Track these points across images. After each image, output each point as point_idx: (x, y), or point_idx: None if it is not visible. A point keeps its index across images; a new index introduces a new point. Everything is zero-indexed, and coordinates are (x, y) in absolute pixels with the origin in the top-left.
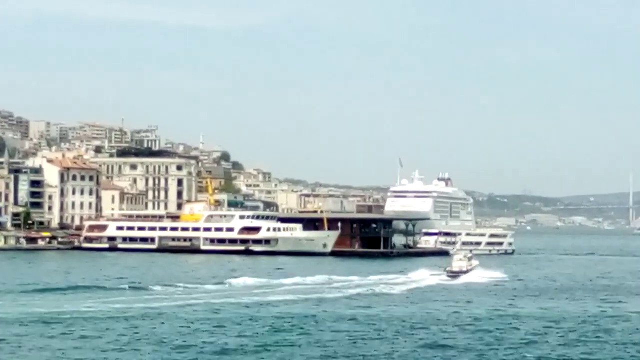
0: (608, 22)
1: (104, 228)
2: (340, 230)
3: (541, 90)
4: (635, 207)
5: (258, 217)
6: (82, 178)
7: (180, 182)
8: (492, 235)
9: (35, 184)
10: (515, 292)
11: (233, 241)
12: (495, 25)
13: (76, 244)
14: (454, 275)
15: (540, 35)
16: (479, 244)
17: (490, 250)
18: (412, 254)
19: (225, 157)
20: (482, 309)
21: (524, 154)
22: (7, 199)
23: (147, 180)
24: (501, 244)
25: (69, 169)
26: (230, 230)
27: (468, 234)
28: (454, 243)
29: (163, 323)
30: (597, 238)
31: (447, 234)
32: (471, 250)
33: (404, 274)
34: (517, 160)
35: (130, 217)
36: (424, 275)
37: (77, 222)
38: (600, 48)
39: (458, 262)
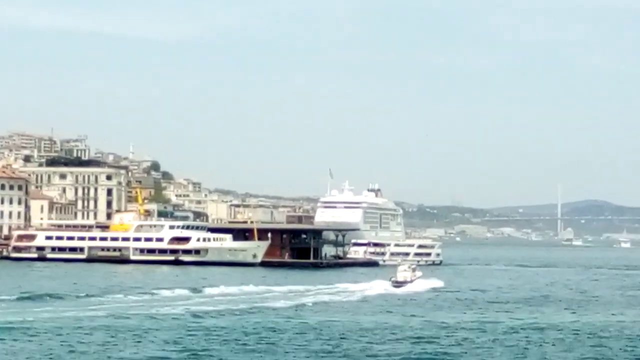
0: (540, 33)
1: (32, 237)
2: (270, 241)
3: (470, 100)
4: (563, 218)
5: (187, 227)
6: (11, 187)
7: (109, 192)
8: (420, 246)
9: None
10: (457, 302)
11: (162, 251)
12: (425, 33)
13: (4, 253)
14: (399, 284)
15: (471, 43)
16: (407, 254)
17: (418, 261)
18: (342, 264)
19: (155, 166)
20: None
21: (454, 165)
22: None
23: (76, 189)
24: (429, 254)
25: None
26: (159, 240)
27: (396, 245)
28: (383, 253)
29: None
30: (523, 249)
31: (376, 245)
32: (401, 261)
33: (355, 283)
34: (446, 171)
35: (59, 227)
36: (372, 285)
37: (5, 232)
38: (531, 58)
39: (402, 273)
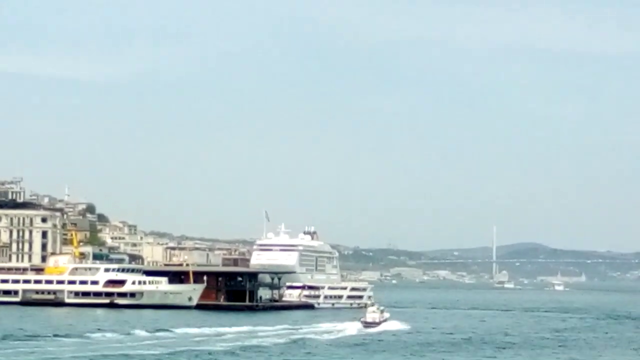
0: (474, 74)
1: None
2: (205, 284)
3: (402, 142)
4: (498, 261)
5: (123, 270)
6: None
7: (44, 234)
8: (352, 289)
9: None
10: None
11: (98, 294)
12: (356, 75)
13: None
14: (368, 325)
15: (403, 85)
16: (340, 297)
17: (351, 304)
18: (278, 307)
19: (90, 209)
20: None
21: (389, 207)
22: None
23: (11, 232)
24: (361, 297)
25: None
26: (95, 283)
27: (330, 287)
28: (317, 296)
29: None
30: (455, 292)
31: (310, 287)
32: (333, 304)
33: (329, 323)
34: (382, 214)
35: None
36: (343, 326)
37: None
38: (465, 99)
39: (371, 314)
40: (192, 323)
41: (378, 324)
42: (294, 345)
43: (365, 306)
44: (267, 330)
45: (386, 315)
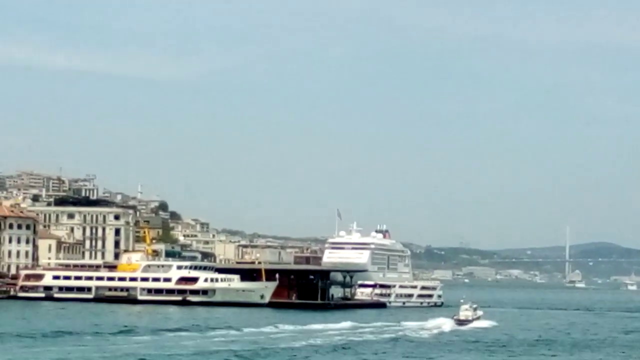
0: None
1: (40, 277)
2: (277, 282)
3: (477, 142)
4: (571, 260)
5: (195, 268)
6: (19, 226)
7: (117, 232)
8: (423, 287)
9: None
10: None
11: (170, 291)
12: (428, 78)
13: (12, 292)
14: (461, 322)
15: (474, 87)
16: (410, 295)
17: (421, 302)
18: (350, 305)
19: (163, 206)
20: None
21: (462, 206)
22: None
23: (84, 229)
24: (431, 296)
25: (5, 217)
26: (167, 280)
27: (401, 286)
28: (389, 295)
29: None
30: (527, 291)
31: (382, 286)
32: (404, 303)
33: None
34: (454, 213)
35: (66, 266)
36: (441, 322)
37: (13, 271)
38: (534, 100)
39: (464, 312)
40: (289, 320)
41: (471, 321)
42: (398, 342)
43: (459, 304)
44: (365, 327)
45: (479, 313)
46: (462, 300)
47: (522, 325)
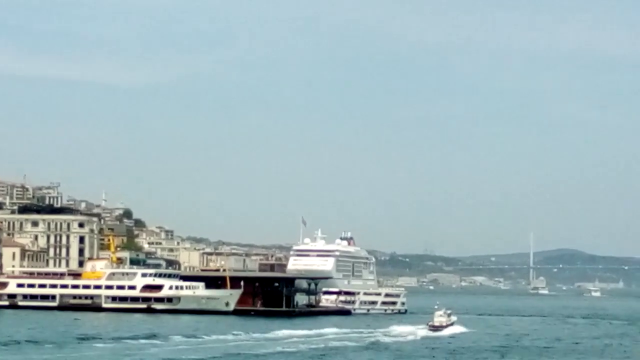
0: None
1: (3, 285)
2: (242, 289)
3: (441, 148)
4: (535, 267)
5: (160, 275)
6: None
7: (81, 239)
8: (387, 295)
9: None
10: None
11: (135, 299)
12: (396, 82)
13: None
14: (435, 328)
15: (439, 93)
16: (375, 302)
17: (385, 310)
18: (315, 312)
19: (127, 214)
20: None
21: (427, 213)
22: None
23: (48, 237)
24: (395, 303)
25: None
26: (132, 288)
27: (365, 293)
28: (353, 302)
29: None
30: (490, 298)
31: (346, 293)
32: (368, 310)
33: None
34: (419, 220)
35: (30, 274)
36: (411, 329)
37: None
38: (504, 106)
39: (438, 318)
40: (262, 328)
41: (445, 327)
42: (374, 346)
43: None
44: (333, 334)
45: (453, 319)
46: (436, 307)
47: (497, 331)
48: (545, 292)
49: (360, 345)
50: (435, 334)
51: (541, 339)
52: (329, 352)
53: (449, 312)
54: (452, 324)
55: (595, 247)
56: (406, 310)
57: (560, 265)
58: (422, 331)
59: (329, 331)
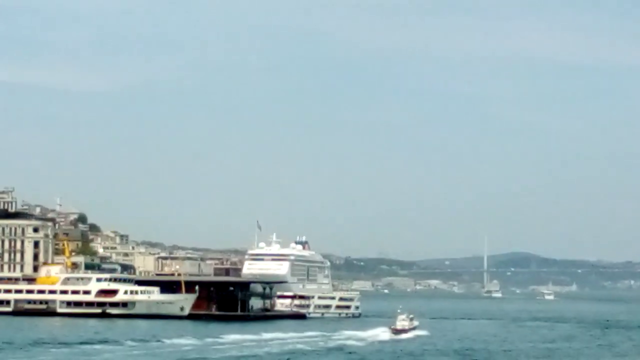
0: (460, 86)
1: None
2: (197, 293)
3: (395, 152)
4: (489, 270)
5: (115, 280)
6: None
7: (36, 244)
8: (341, 299)
9: None
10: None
11: (90, 304)
12: (346, 87)
13: None
14: (398, 332)
15: (392, 97)
16: (329, 306)
17: (339, 313)
18: (269, 316)
19: (82, 219)
20: None
21: (380, 218)
22: None
23: (2, 242)
24: (349, 307)
25: None
26: (87, 292)
27: (320, 297)
28: (308, 306)
29: None
30: (443, 301)
31: (301, 297)
32: (323, 314)
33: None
34: (373, 224)
35: None
36: (378, 332)
37: None
38: (451, 110)
39: (401, 322)
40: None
41: (407, 331)
42: (340, 350)
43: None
44: (298, 338)
45: (415, 323)
46: (398, 311)
47: (457, 334)
48: (499, 295)
49: (326, 349)
50: (398, 337)
51: (497, 343)
52: (294, 356)
53: (411, 316)
54: (414, 328)
55: (549, 250)
56: (360, 314)
57: (513, 269)
58: (385, 335)
59: (291, 335)
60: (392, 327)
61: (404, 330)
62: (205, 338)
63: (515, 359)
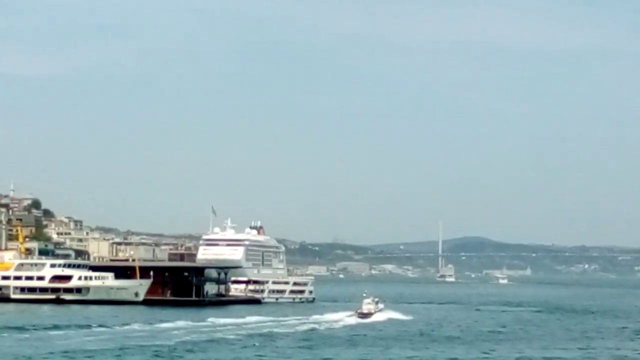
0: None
1: None
2: (152, 279)
3: (351, 138)
4: (444, 255)
5: (69, 266)
6: None
7: None
8: (295, 284)
9: None
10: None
11: (44, 290)
12: (301, 74)
13: None
14: (364, 316)
15: (348, 84)
16: (283, 291)
17: (293, 298)
18: (224, 302)
19: (36, 204)
20: None
21: (335, 202)
22: None
23: None
24: (303, 291)
25: None
26: (40, 278)
27: (274, 282)
28: (262, 291)
29: None
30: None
31: (255, 282)
32: (277, 299)
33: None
34: (328, 208)
35: None
36: (340, 316)
37: None
38: (407, 96)
39: (367, 305)
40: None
41: (373, 314)
42: (308, 334)
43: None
44: (263, 322)
45: (380, 306)
46: (364, 295)
47: (423, 317)
48: (452, 279)
49: (293, 333)
50: (364, 320)
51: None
52: (262, 340)
53: (376, 300)
54: (380, 311)
55: (503, 235)
56: (314, 299)
57: (468, 253)
58: (351, 319)
59: (257, 319)
60: (358, 310)
61: (370, 314)
62: (197, 321)
63: (471, 343)
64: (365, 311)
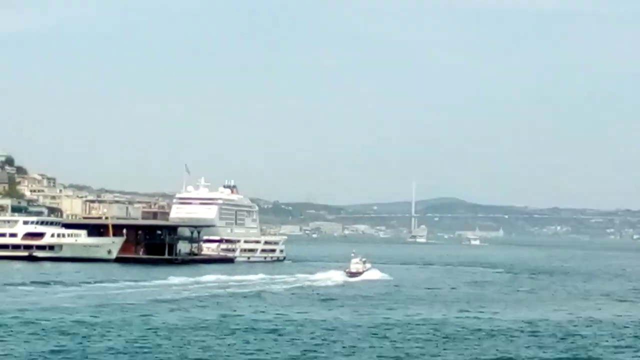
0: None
1: None
2: (125, 237)
3: (321, 97)
4: (417, 215)
5: (42, 223)
6: None
7: None
8: (266, 242)
9: None
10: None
11: (16, 246)
12: (268, 31)
13: None
14: (352, 274)
15: (317, 42)
16: (254, 250)
17: (265, 257)
18: (197, 260)
19: (9, 161)
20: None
21: (308, 162)
22: None
23: None
24: (274, 250)
25: None
26: (13, 235)
27: (246, 241)
28: (234, 250)
29: None
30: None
31: (228, 241)
32: (249, 258)
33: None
34: (301, 168)
35: None
36: (332, 274)
37: None
38: (376, 56)
39: (355, 265)
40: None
41: (361, 273)
42: (303, 291)
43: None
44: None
45: (368, 266)
46: (352, 254)
47: (410, 276)
48: (423, 240)
49: (287, 289)
50: (353, 279)
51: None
52: (254, 297)
53: (364, 259)
54: (367, 270)
55: (477, 196)
56: (284, 258)
57: (441, 214)
58: (340, 277)
59: (252, 278)
60: (347, 270)
61: (358, 273)
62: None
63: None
64: (353, 270)
